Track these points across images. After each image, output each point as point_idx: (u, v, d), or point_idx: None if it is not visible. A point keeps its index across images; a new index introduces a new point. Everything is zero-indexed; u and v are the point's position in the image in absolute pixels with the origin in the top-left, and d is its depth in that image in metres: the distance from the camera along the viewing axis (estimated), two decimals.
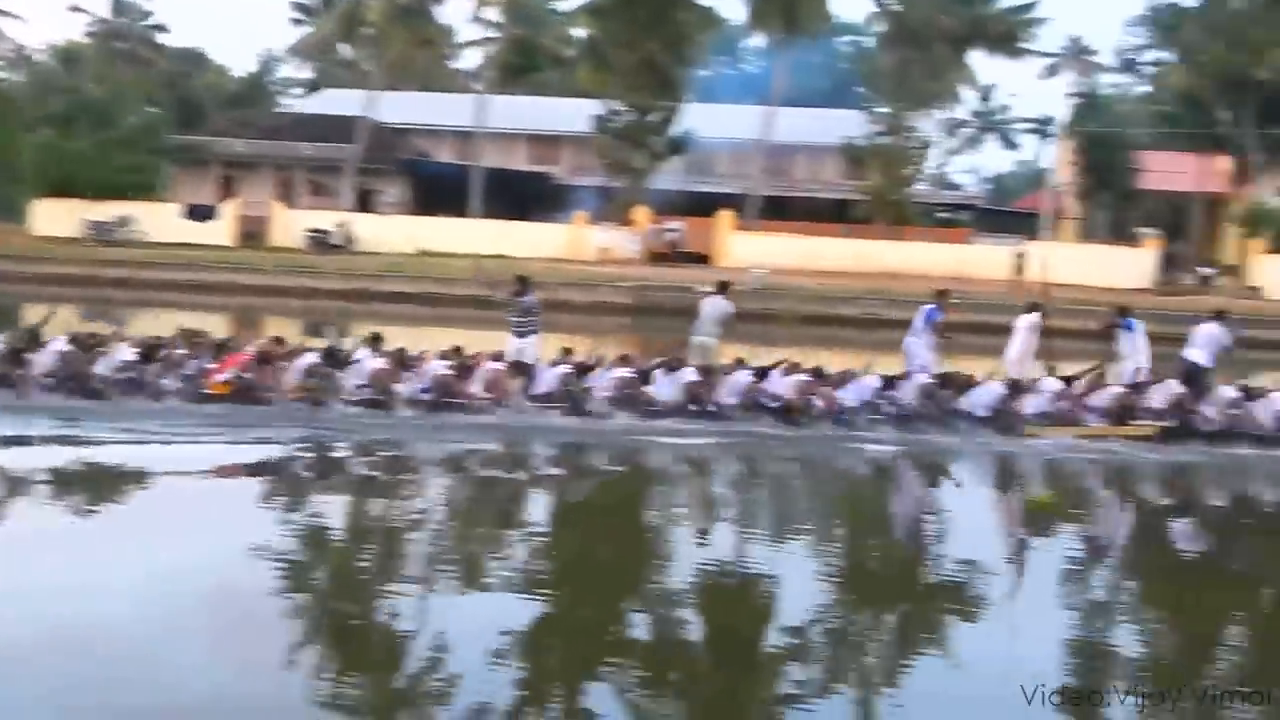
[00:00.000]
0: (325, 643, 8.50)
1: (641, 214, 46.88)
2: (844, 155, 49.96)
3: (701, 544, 11.76)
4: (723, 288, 19.57)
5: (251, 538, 10.44)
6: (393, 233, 46.35)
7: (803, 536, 12.70)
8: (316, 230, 46.03)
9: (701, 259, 46.12)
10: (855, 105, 51.74)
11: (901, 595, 10.50)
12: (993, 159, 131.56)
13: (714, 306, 18.92)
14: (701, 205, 49.19)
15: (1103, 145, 52.92)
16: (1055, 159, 60.37)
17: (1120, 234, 53.77)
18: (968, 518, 13.69)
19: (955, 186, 78.20)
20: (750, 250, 43.93)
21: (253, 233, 47.10)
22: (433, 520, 12.40)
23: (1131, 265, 44.47)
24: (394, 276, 40.74)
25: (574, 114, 50.95)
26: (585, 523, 12.99)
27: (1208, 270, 47.02)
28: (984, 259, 45.81)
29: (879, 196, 47.25)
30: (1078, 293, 40.25)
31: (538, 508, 13.62)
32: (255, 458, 14.05)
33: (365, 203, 51.37)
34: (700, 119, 50.04)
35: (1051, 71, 75.46)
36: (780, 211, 52.82)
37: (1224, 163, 53.45)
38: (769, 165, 52.81)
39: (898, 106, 48.16)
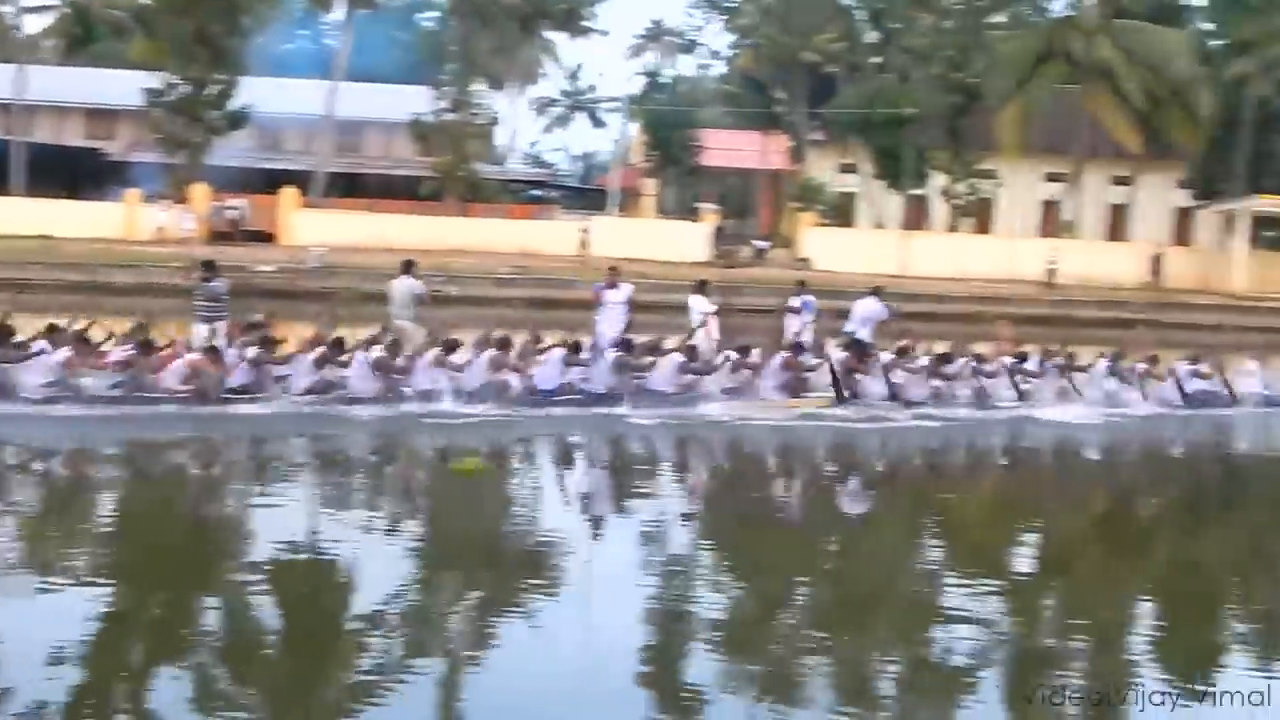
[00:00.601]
0: None
1: (201, 191, 44.88)
2: (413, 132, 49.38)
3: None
4: (408, 267, 18.88)
5: None
6: None
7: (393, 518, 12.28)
8: None
9: (267, 237, 44.68)
10: (431, 81, 51.16)
11: (482, 574, 10.25)
12: (589, 138, 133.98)
13: (403, 287, 18.21)
14: (271, 182, 47.58)
15: (668, 124, 54.61)
16: (629, 137, 61.92)
17: (691, 210, 55.66)
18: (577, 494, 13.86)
19: (547, 164, 79.31)
20: (317, 228, 42.79)
21: None
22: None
23: (690, 240, 45.97)
24: None
25: (134, 87, 48.18)
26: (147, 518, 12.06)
27: (762, 243, 49.13)
28: (552, 235, 46.44)
29: (447, 173, 46.97)
30: (641, 267, 41.55)
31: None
32: None
33: None
34: (268, 93, 48.35)
35: (637, 52, 77.55)
36: (354, 188, 51.90)
37: (783, 141, 56.12)
38: (340, 142, 51.77)
39: (463, 83, 47.98)
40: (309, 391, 15.89)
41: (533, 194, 60.80)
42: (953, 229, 51.34)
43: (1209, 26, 56.14)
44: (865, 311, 19.91)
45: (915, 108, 46.72)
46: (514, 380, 16.63)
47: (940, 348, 19.73)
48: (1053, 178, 54.82)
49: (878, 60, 52.89)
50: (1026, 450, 17.92)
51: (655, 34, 75.10)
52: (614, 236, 45.49)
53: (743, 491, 14.43)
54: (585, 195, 67.67)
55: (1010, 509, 14.58)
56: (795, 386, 17.85)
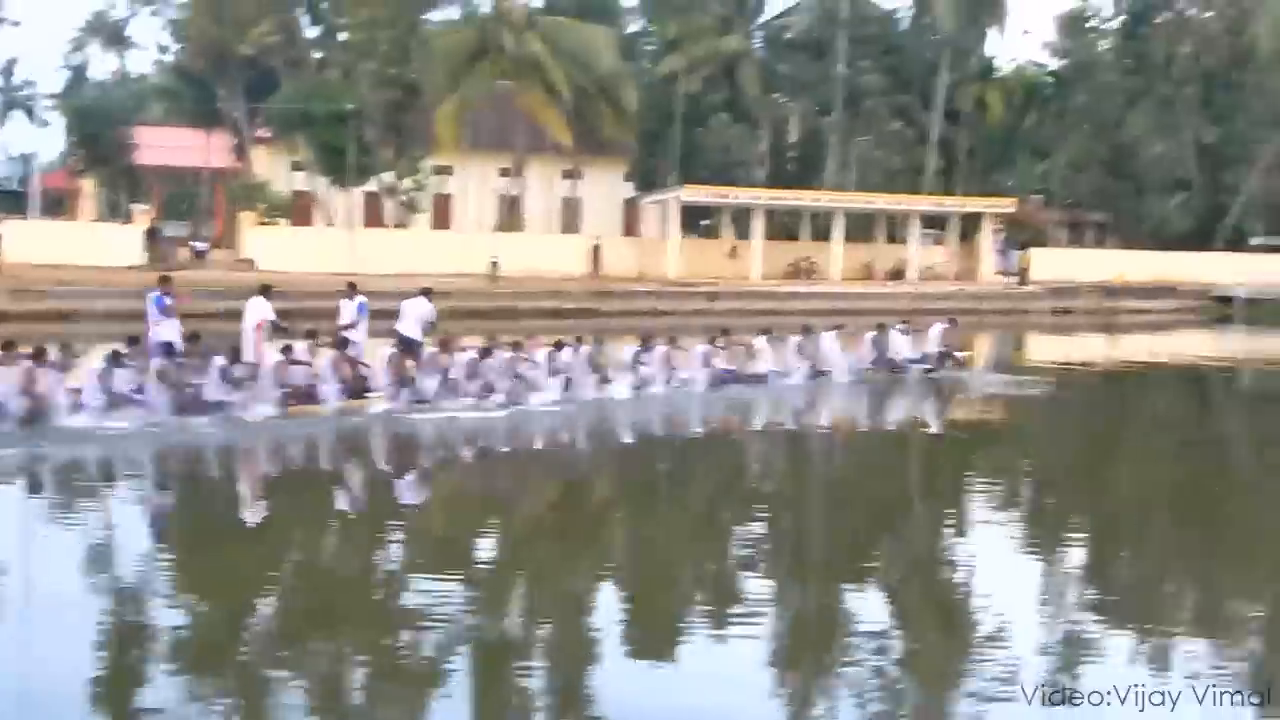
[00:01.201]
0: None
1: None
2: None
3: None
4: None
5: None
6: None
7: None
8: None
9: None
10: None
11: None
12: (32, 138, 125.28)
13: None
14: None
15: (98, 121, 51.43)
16: (60, 137, 58.19)
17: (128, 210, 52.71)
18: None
19: None
20: None
21: None
22: None
23: (122, 243, 43.43)
24: None
25: None
26: None
27: (200, 245, 47.12)
28: None
29: None
30: (67, 273, 38.71)
31: None
32: None
33: None
34: None
35: (79, 46, 72.79)
36: None
37: (226, 138, 54.05)
38: None
39: None
40: None
41: None
42: (400, 225, 51.00)
43: (642, 24, 59.03)
44: (416, 311, 20.75)
45: (356, 104, 45.95)
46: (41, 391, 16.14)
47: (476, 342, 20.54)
48: (505, 173, 55.62)
49: (319, 55, 51.77)
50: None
51: (95, 27, 70.57)
52: (34, 241, 42.31)
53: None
54: (29, 199, 62.83)
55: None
56: (355, 387, 18.16)
